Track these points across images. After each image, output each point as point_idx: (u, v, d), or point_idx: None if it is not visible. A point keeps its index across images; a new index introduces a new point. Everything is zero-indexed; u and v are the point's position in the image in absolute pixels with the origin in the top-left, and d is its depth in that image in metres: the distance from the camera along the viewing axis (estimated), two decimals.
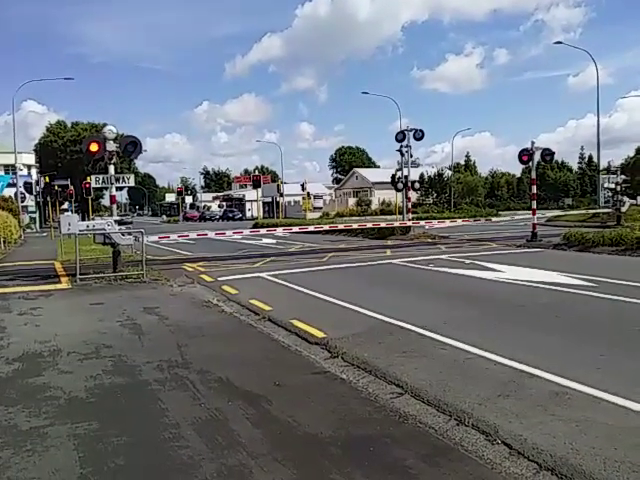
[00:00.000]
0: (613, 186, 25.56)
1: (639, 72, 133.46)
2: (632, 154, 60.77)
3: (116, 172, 13.09)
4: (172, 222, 68.25)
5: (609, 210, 26.87)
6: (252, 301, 9.16)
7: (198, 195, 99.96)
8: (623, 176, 25.87)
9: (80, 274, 11.95)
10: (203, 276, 12.73)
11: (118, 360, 5.86)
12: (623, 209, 25.35)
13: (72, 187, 43.68)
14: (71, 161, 65.38)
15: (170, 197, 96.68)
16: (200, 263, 15.56)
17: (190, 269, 14.31)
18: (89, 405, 4.59)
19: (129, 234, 12.84)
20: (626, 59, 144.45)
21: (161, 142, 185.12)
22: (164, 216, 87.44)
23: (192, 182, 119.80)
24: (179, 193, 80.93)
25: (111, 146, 12.40)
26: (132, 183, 14.83)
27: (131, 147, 12.62)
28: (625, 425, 3.97)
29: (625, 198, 25.69)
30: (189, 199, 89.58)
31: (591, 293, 9.03)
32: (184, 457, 3.59)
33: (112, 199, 13.84)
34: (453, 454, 3.62)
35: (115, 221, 12.70)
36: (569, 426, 3.98)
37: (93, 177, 13.92)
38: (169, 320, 7.88)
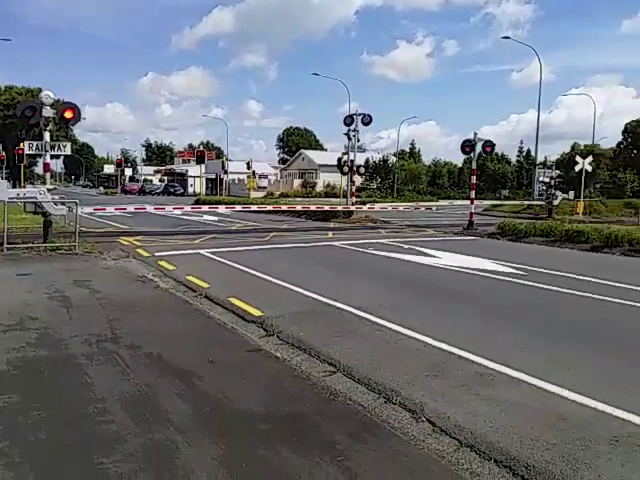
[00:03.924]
0: (548, 180, 26.74)
1: (581, 71, 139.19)
2: (568, 150, 63.26)
3: (52, 139, 12.53)
4: (110, 194, 65.95)
5: (542, 203, 28.12)
6: (189, 277, 9.01)
7: (139, 168, 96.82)
8: (557, 171, 27.11)
9: (8, 243, 11.40)
10: (139, 250, 12.41)
11: (44, 333, 5.64)
12: (555, 202, 26.58)
13: (3, 153, 41.53)
14: (4, 126, 61.92)
15: (109, 168, 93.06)
16: (137, 237, 15.14)
17: (126, 243, 13.91)
18: (11, 378, 4.40)
19: (62, 204, 12.34)
20: (569, 57, 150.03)
21: (101, 111, 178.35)
22: (101, 188, 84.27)
23: (133, 154, 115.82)
24: (118, 165, 77.98)
25: (48, 112, 11.87)
26: (69, 152, 14.22)
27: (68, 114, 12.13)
28: (542, 405, 4.19)
29: (558, 192, 26.94)
30: (129, 171, 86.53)
31: (520, 281, 9.43)
32: (108, 432, 3.51)
33: (46, 167, 13.26)
34: (379, 431, 3.71)
35: (48, 190, 12.17)
36: (491, 406, 4.16)
37: (27, 143, 13.25)
38: (100, 294, 7.64)
